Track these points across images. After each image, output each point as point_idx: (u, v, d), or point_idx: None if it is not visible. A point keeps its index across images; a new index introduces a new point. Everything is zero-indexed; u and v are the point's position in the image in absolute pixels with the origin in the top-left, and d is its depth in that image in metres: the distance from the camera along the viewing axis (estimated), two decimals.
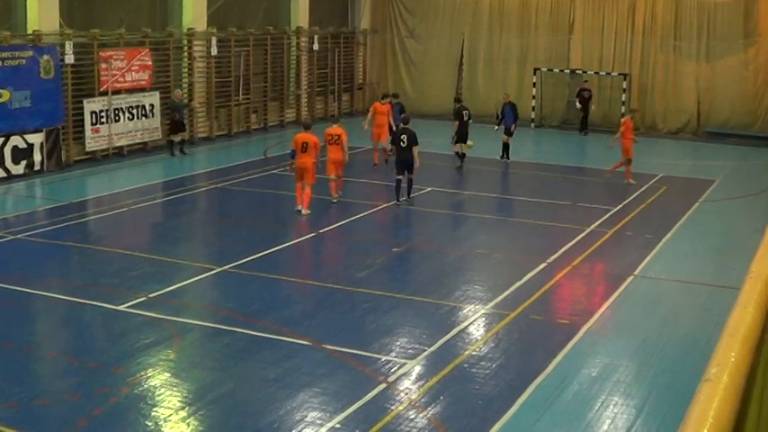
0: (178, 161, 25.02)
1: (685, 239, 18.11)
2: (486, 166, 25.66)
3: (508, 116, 25.79)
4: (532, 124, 33.84)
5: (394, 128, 23.17)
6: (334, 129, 20.03)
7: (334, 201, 20.00)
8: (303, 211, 18.82)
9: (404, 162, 19.83)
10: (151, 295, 13.29)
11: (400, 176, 19.93)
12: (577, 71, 33.50)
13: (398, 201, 20.01)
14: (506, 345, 11.92)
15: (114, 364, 10.78)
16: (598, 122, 33.67)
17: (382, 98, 25.59)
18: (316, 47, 33.26)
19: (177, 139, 25.45)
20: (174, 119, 25.33)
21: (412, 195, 20.24)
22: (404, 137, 19.87)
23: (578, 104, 33.11)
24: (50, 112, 22.48)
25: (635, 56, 33.15)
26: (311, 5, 33.12)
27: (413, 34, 36.44)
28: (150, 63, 25.47)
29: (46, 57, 22.21)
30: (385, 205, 20.14)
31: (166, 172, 24.22)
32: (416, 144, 19.75)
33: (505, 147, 25.83)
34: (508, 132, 25.75)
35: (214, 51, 28.05)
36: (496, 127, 26.25)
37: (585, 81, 33.14)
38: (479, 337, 12.13)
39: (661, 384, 10.79)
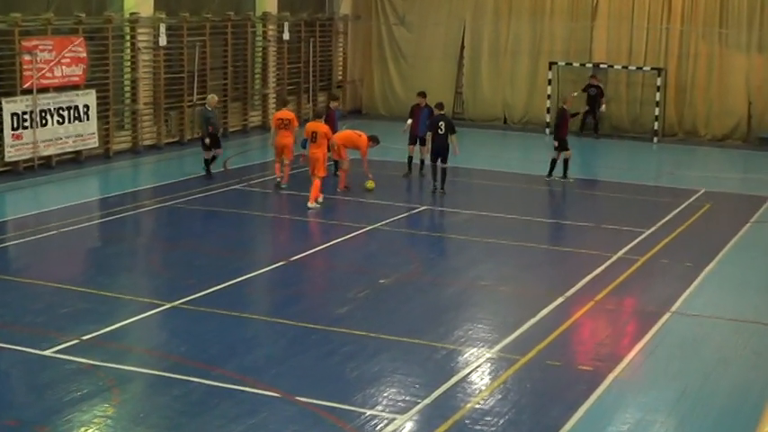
0: (130, 174, 24.99)
1: (734, 268, 18.15)
2: (492, 181, 25.69)
3: (565, 125, 25.57)
4: (547, 129, 33.91)
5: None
6: (285, 113, 23.43)
7: (284, 186, 23.16)
8: (309, 205, 21.33)
9: (439, 149, 23.22)
10: (85, 337, 13.22)
11: (435, 163, 23.44)
12: (602, 65, 33.66)
13: (435, 185, 23.48)
14: (516, 396, 11.90)
15: (39, 422, 10.69)
16: (627, 127, 33.84)
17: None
18: (286, 36, 33.31)
19: (209, 156, 24.33)
20: (209, 132, 24.10)
21: (445, 186, 23.30)
22: (441, 123, 23.28)
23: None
24: None
25: (672, 47, 33.32)
26: None
27: (403, 21, 36.56)
28: (84, 55, 25.43)
29: None
30: (369, 227, 20.16)
31: (104, 187, 24.17)
32: (454, 132, 23.31)
33: (567, 162, 25.34)
34: (565, 146, 25.34)
35: (163, 41, 28.06)
36: (557, 144, 25.55)
37: (592, 76, 33.31)
38: (484, 387, 12.12)
39: None
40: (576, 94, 32.90)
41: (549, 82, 33.99)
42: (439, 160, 23.27)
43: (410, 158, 25.18)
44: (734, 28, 32.65)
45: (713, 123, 33.28)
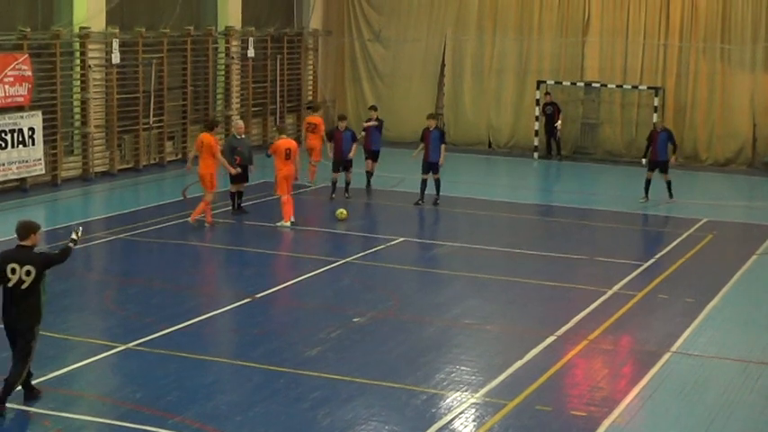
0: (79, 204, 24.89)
1: (739, 304, 18.22)
2: (476, 210, 25.73)
3: (662, 146, 26.25)
4: (536, 154, 34.07)
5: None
6: (313, 117, 28.15)
7: (310, 184, 26.99)
8: (285, 224, 22.44)
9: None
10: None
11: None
12: (594, 84, 33.85)
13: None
14: None
15: None
16: (622, 152, 33.98)
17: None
18: (251, 53, 33.39)
19: (235, 190, 23.75)
20: (236, 163, 23.25)
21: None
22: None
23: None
24: None
25: (670, 64, 33.57)
26: None
27: (379, 37, 36.69)
28: (30, 74, 25.40)
29: None
30: (342, 261, 20.15)
31: (51, 218, 24.07)
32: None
33: (668, 185, 26.43)
34: (665, 168, 26.39)
35: (116, 59, 28.06)
36: (644, 160, 26.92)
37: (548, 93, 33.58)
38: None
39: None
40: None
41: (538, 102, 34.12)
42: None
43: (368, 174, 27.12)
44: (737, 43, 32.90)
45: (715, 147, 33.48)
